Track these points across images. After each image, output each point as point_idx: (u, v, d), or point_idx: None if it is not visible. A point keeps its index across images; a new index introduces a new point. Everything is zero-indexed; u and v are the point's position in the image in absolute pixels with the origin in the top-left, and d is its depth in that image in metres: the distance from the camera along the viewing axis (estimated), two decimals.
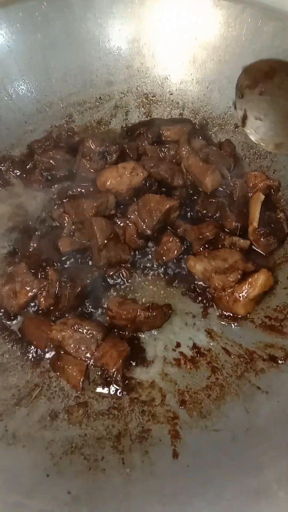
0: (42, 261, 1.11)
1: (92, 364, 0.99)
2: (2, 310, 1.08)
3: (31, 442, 0.91)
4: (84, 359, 0.99)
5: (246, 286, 1.05)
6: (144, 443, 0.92)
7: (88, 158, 1.18)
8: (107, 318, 1.06)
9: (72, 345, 1.00)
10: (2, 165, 1.27)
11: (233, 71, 1.27)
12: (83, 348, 1.00)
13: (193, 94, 1.34)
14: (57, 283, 1.05)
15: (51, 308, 1.06)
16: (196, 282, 1.11)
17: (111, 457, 0.90)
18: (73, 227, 1.13)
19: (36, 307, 1.08)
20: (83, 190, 1.18)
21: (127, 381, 0.99)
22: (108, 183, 1.14)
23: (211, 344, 1.06)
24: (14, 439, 0.91)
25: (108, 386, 0.98)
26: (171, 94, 1.36)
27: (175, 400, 0.99)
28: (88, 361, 1.00)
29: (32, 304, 1.08)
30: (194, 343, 1.07)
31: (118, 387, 0.98)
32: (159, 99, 1.36)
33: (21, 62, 1.29)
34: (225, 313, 1.08)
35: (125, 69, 1.35)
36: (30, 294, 1.06)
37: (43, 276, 1.09)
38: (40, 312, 1.07)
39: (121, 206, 1.17)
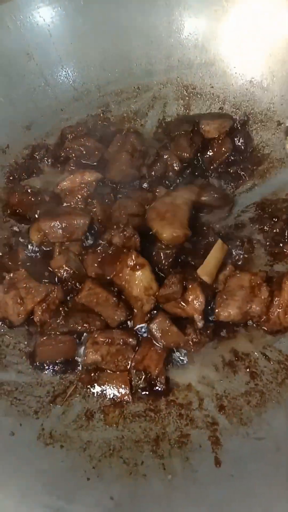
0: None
1: (133, 369, 0.96)
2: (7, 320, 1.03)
3: (69, 443, 0.90)
4: (123, 369, 0.96)
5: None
6: (184, 449, 0.90)
7: (129, 152, 1.14)
8: None
9: (110, 361, 0.97)
10: (36, 153, 1.23)
11: (278, 65, 1.23)
12: (120, 358, 0.97)
13: (235, 88, 1.30)
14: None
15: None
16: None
17: (151, 462, 0.88)
18: None
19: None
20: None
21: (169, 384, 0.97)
22: None
23: (250, 348, 1.03)
24: (51, 439, 0.89)
25: (152, 390, 0.95)
26: (212, 87, 1.32)
27: (213, 405, 0.97)
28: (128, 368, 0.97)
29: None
30: (232, 347, 1.04)
31: (160, 389, 0.95)
32: (199, 92, 1.32)
33: (60, 48, 1.25)
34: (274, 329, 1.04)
35: (165, 59, 1.31)
36: (37, 299, 1.01)
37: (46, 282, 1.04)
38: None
39: None
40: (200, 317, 0.99)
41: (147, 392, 0.96)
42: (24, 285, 1.02)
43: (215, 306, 1.04)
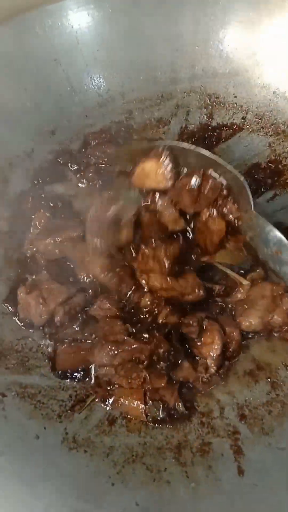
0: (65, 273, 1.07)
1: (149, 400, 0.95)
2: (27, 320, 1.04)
3: (92, 448, 0.90)
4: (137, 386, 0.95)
5: None
6: (206, 457, 0.91)
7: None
8: None
9: (124, 376, 0.95)
10: (60, 158, 1.24)
11: None
12: (134, 375, 0.95)
13: (258, 99, 1.31)
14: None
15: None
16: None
17: (174, 469, 0.88)
18: None
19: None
20: None
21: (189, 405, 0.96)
22: None
23: (271, 358, 1.03)
24: (75, 443, 0.90)
25: (172, 418, 0.94)
26: (235, 96, 1.32)
27: (235, 414, 0.97)
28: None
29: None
30: (252, 355, 1.04)
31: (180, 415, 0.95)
32: (222, 101, 1.33)
33: (86, 54, 1.25)
34: None
35: (190, 68, 1.31)
36: (60, 299, 1.01)
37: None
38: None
39: None
40: (213, 364, 0.98)
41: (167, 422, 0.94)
42: (46, 286, 1.03)
43: (235, 314, 1.05)
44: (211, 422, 0.96)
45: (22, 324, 1.04)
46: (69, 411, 0.93)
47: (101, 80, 1.29)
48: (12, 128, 1.19)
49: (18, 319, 1.03)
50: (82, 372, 0.99)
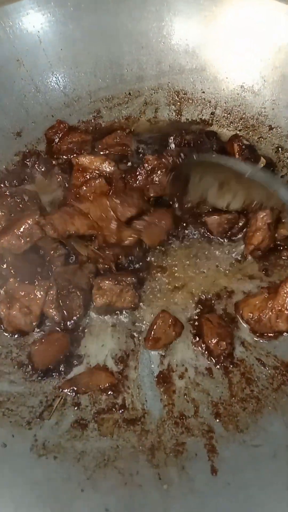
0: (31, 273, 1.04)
1: None
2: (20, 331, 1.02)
3: (62, 453, 0.88)
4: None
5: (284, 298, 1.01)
6: (179, 457, 0.89)
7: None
8: None
9: (118, 301, 1.03)
10: (27, 160, 1.22)
11: (269, 70, 1.23)
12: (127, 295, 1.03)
13: (226, 93, 1.30)
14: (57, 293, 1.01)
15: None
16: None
17: (146, 472, 0.86)
18: None
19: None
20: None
21: None
22: None
23: (244, 354, 1.02)
24: (44, 450, 0.88)
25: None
26: (203, 92, 1.31)
27: (209, 412, 0.95)
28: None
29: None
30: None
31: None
32: (191, 97, 1.32)
33: (50, 54, 1.24)
34: (264, 334, 1.03)
35: (156, 64, 1.30)
36: (41, 301, 1.00)
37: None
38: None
39: None
40: None
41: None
42: (22, 293, 1.00)
43: None
44: (185, 422, 0.94)
45: (12, 335, 1.02)
46: (38, 418, 0.90)
47: (66, 79, 1.27)
48: None
49: (6, 333, 1.01)
50: (64, 363, 0.98)
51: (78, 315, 1.01)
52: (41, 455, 0.87)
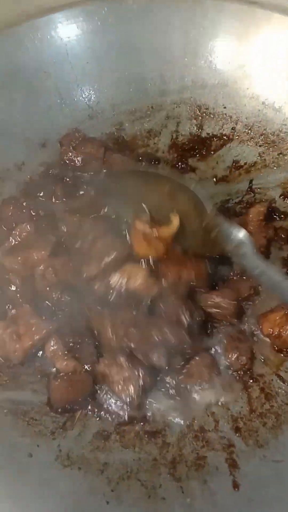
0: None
1: None
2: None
3: (86, 465, 0.89)
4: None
5: None
6: (201, 471, 0.90)
7: None
8: None
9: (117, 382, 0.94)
10: (51, 170, 1.24)
11: None
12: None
13: (247, 109, 1.32)
14: None
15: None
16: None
17: (169, 485, 0.87)
18: None
19: None
20: None
21: None
22: None
23: (264, 369, 1.03)
24: (69, 460, 0.89)
25: None
26: (225, 107, 1.33)
27: (229, 427, 0.97)
28: None
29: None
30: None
31: None
32: (212, 112, 1.34)
33: (76, 67, 1.26)
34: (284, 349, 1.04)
35: (179, 79, 1.32)
36: (37, 336, 0.95)
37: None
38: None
39: None
40: None
41: None
42: (25, 321, 0.96)
43: None
44: (206, 436, 0.95)
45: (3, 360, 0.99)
46: (61, 428, 0.91)
47: (91, 92, 1.29)
48: (1, 141, 1.19)
49: None
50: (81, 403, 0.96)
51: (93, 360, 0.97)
52: (66, 465, 0.88)
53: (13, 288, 1.04)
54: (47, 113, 1.25)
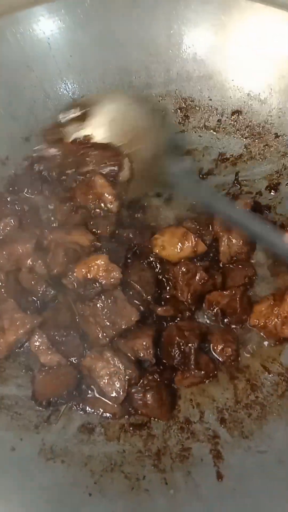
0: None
1: None
2: None
3: (70, 458, 0.89)
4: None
5: None
6: (185, 463, 0.90)
7: None
8: None
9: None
10: (36, 165, 1.23)
11: (276, 79, 1.24)
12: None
13: (233, 101, 1.31)
14: None
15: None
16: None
17: (152, 477, 0.87)
18: None
19: None
20: None
21: None
22: None
23: (249, 360, 1.03)
24: (52, 454, 0.89)
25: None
26: (210, 99, 1.33)
27: (214, 418, 0.96)
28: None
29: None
30: None
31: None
32: (198, 104, 1.33)
33: (60, 60, 1.25)
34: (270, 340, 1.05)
35: (164, 72, 1.32)
36: (21, 330, 0.94)
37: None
38: None
39: None
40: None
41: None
42: (10, 316, 0.95)
43: None
44: (191, 427, 0.95)
45: None
46: (45, 422, 0.91)
47: (75, 85, 1.28)
48: None
49: None
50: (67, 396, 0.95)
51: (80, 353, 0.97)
52: (48, 459, 0.88)
53: None
54: (31, 107, 1.24)
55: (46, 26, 1.22)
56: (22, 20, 1.18)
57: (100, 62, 1.29)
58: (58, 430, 0.92)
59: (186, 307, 1.04)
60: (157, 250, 1.08)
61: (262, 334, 1.04)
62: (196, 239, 1.08)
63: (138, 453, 0.91)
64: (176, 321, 1.03)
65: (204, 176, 1.28)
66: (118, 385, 0.93)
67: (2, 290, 1.02)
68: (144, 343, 0.94)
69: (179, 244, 1.08)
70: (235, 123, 1.32)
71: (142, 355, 0.95)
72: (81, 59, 1.27)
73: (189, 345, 0.95)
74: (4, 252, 1.03)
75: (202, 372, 0.97)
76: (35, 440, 0.90)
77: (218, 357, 1.01)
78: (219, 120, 1.33)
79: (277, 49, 1.23)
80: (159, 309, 1.00)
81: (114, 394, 0.93)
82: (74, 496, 0.81)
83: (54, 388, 0.95)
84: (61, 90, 1.27)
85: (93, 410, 0.94)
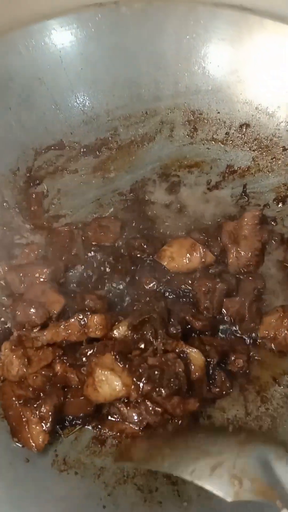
0: None
1: None
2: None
3: (83, 469, 0.89)
4: None
5: None
6: None
7: None
8: None
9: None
10: None
11: (283, 93, 1.26)
12: None
13: (241, 114, 1.33)
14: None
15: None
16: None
17: (165, 489, 0.88)
18: None
19: None
20: None
21: None
22: None
23: (259, 371, 1.04)
24: (65, 465, 0.89)
25: None
26: (218, 112, 1.34)
27: None
28: None
29: None
30: None
31: None
32: (206, 117, 1.35)
33: (71, 73, 1.27)
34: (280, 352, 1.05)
35: (173, 85, 1.33)
36: (44, 363, 0.95)
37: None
38: None
39: None
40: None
41: None
42: (32, 345, 0.95)
43: None
44: None
45: None
46: (57, 433, 0.91)
47: (85, 98, 1.30)
48: None
49: None
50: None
51: None
52: (62, 470, 0.88)
53: None
54: (42, 118, 1.25)
55: (58, 39, 1.24)
56: (34, 33, 1.20)
57: (110, 75, 1.30)
58: (70, 441, 0.93)
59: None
60: (165, 262, 1.09)
61: (272, 345, 1.04)
62: (204, 249, 1.09)
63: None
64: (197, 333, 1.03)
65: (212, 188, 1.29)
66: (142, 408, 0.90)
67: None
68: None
69: (188, 254, 1.09)
70: (243, 136, 1.33)
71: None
72: (91, 72, 1.28)
73: (208, 360, 0.95)
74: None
75: (217, 389, 0.97)
76: (48, 451, 0.90)
77: (229, 368, 1.01)
78: (227, 133, 1.34)
79: (286, 63, 1.24)
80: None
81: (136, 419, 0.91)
82: (88, 508, 0.82)
83: (72, 407, 0.93)
84: (72, 102, 1.28)
85: (112, 433, 0.93)
